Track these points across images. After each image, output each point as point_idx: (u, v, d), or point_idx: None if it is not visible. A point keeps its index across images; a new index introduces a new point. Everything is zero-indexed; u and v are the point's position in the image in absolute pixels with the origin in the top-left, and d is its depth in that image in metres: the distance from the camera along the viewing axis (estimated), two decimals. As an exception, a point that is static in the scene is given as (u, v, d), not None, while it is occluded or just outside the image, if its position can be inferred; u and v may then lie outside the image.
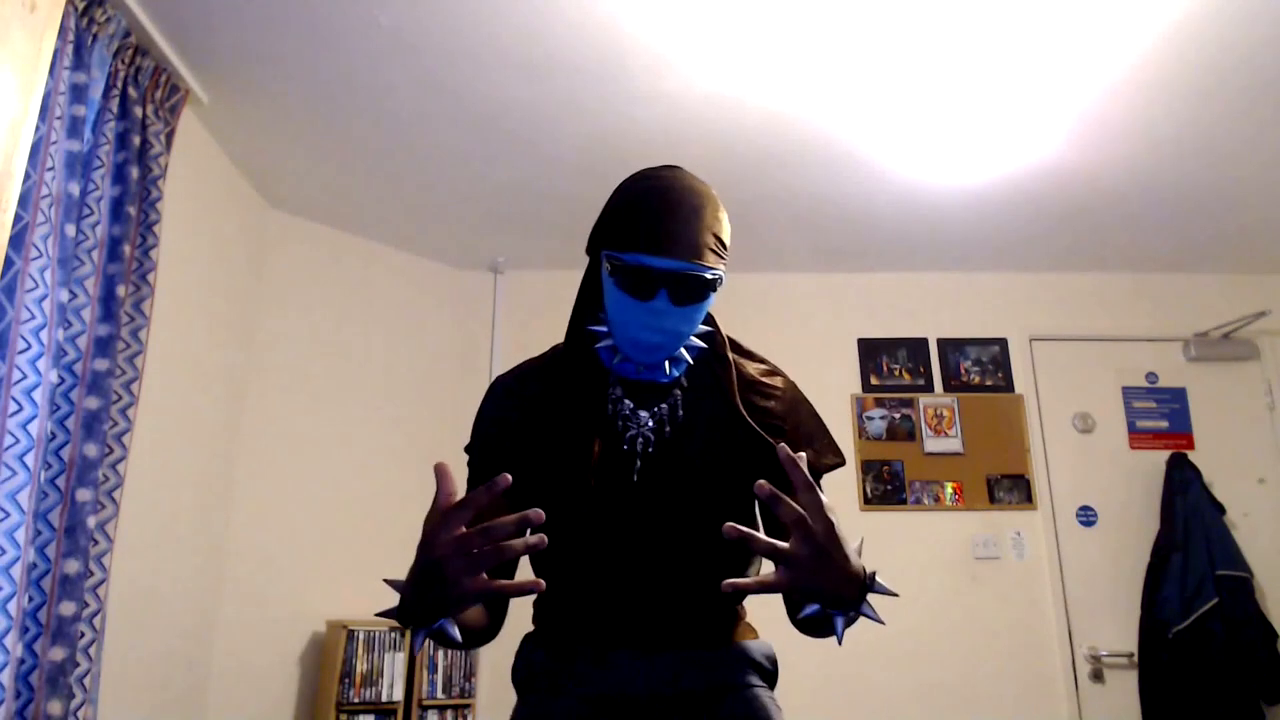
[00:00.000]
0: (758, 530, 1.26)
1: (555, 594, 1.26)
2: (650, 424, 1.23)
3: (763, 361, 1.34)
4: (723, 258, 1.18)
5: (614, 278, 1.17)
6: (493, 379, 1.35)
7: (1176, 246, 3.70)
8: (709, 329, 1.28)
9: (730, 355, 1.28)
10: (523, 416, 1.26)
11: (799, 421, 1.28)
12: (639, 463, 1.21)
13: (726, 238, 1.19)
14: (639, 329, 1.17)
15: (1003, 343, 3.89)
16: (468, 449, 1.31)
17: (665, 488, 1.20)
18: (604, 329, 1.24)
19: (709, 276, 1.15)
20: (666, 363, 1.23)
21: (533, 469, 1.23)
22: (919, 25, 2.36)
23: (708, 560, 1.21)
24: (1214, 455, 3.64)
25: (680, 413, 1.23)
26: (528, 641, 1.30)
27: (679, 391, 1.25)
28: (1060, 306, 3.91)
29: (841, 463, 1.30)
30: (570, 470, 1.21)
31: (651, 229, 1.13)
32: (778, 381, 1.31)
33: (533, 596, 1.30)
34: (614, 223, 1.18)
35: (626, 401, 1.24)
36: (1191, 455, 3.61)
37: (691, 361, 1.25)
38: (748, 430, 1.22)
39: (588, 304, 1.27)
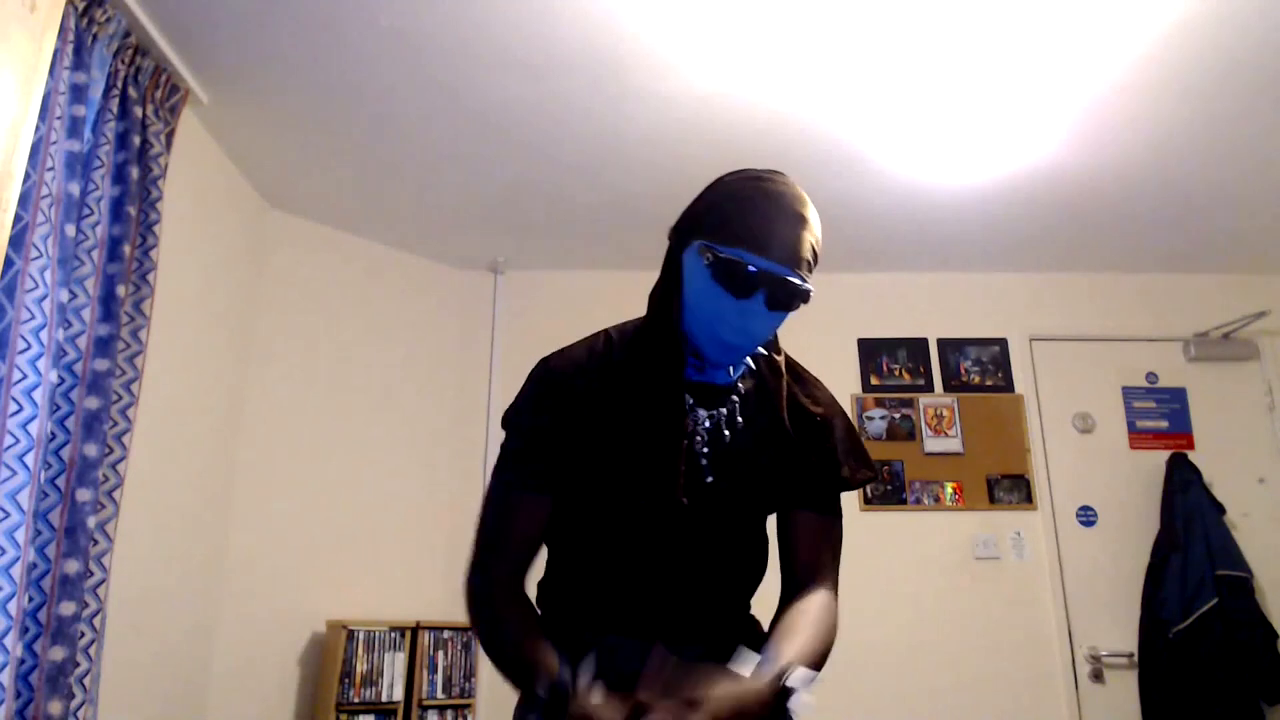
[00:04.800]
0: (766, 538, 1.30)
1: (577, 583, 1.27)
2: (708, 424, 1.22)
3: (807, 374, 1.34)
4: (811, 273, 1.17)
5: (711, 269, 1.13)
6: (536, 363, 1.28)
7: (1176, 246, 3.70)
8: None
9: (786, 368, 1.29)
10: (581, 410, 1.21)
11: (836, 437, 1.29)
12: (704, 463, 1.21)
13: (820, 252, 1.18)
14: (725, 327, 1.15)
15: (1003, 343, 3.89)
16: (507, 423, 1.26)
17: (718, 491, 1.21)
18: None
19: (805, 289, 1.14)
20: (734, 365, 1.23)
21: (587, 462, 1.21)
22: (919, 25, 2.36)
23: (743, 559, 1.27)
24: (1214, 455, 3.64)
25: (739, 417, 1.24)
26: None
27: (736, 398, 1.25)
28: (1060, 306, 3.91)
29: (874, 477, 1.32)
30: (639, 469, 1.18)
31: (761, 228, 1.11)
32: (821, 395, 1.32)
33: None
34: (719, 215, 1.15)
35: (687, 398, 1.23)
36: (1191, 455, 3.60)
37: (753, 365, 1.26)
38: (791, 445, 1.24)
39: (669, 295, 1.21)
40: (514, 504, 1.23)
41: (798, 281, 1.13)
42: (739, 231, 1.12)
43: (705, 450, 1.21)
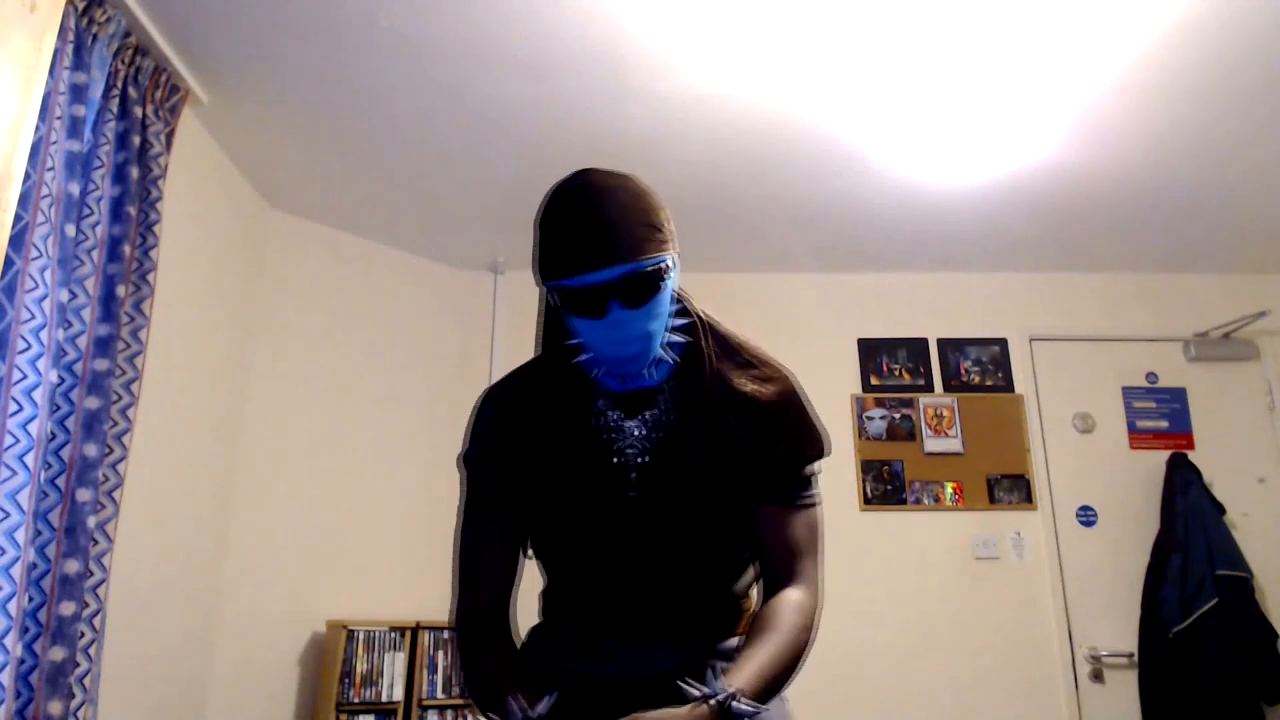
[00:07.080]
0: (740, 532, 1.26)
1: (561, 593, 1.29)
2: (640, 433, 1.21)
3: (744, 349, 1.27)
4: (665, 241, 1.13)
5: (564, 306, 1.13)
6: (485, 389, 1.34)
7: (1176, 246, 3.70)
8: (688, 320, 1.23)
9: (708, 350, 1.23)
10: (516, 430, 1.25)
11: (778, 413, 1.22)
12: (634, 475, 1.20)
13: (660, 219, 1.14)
14: (608, 346, 1.14)
15: (1003, 343, 3.89)
16: (463, 461, 1.30)
17: (662, 494, 1.20)
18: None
19: (651, 269, 1.10)
20: (650, 367, 1.21)
21: (531, 482, 1.24)
22: (919, 25, 2.36)
23: (706, 560, 1.23)
24: (1214, 455, 3.64)
25: (670, 417, 1.22)
26: (534, 633, 1.32)
27: (666, 395, 1.23)
28: (1060, 306, 3.91)
29: (820, 454, 1.23)
30: (563, 488, 1.22)
31: (574, 247, 1.09)
32: (760, 372, 1.25)
33: (539, 590, 1.33)
34: (538, 254, 1.15)
35: (612, 413, 1.22)
36: (1192, 455, 3.61)
37: (676, 361, 1.23)
38: (726, 432, 1.20)
39: (556, 327, 1.24)
40: (478, 535, 1.26)
41: (639, 269, 1.09)
42: (551, 263, 1.11)
43: (643, 460, 1.20)
